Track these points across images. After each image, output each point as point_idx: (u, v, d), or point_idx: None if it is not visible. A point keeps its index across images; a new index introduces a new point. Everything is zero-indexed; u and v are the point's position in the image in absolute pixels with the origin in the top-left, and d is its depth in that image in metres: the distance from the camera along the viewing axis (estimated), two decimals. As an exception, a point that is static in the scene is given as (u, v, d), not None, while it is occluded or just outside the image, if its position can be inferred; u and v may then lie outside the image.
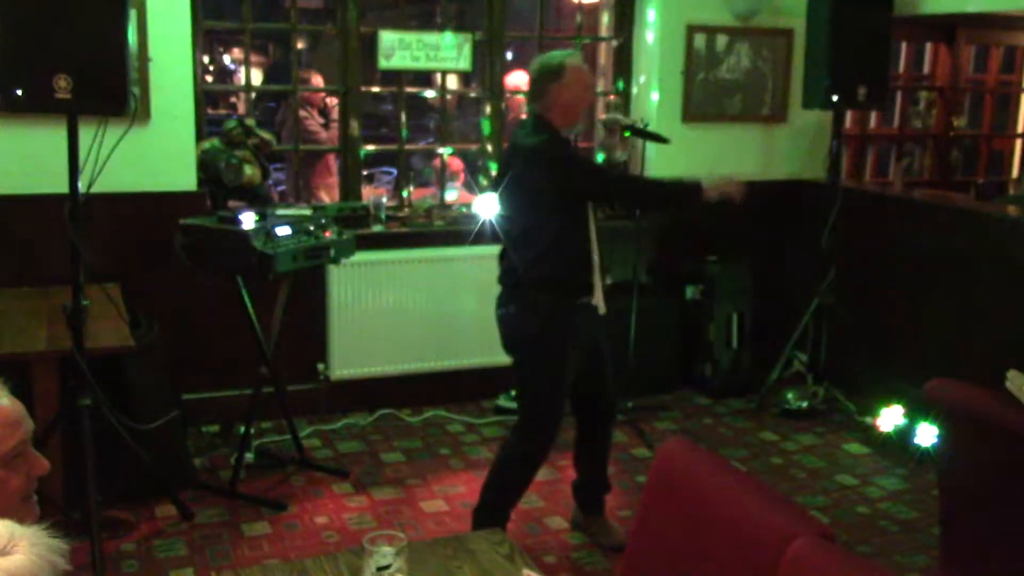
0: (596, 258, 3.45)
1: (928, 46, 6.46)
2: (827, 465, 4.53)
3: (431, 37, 4.96)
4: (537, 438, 3.49)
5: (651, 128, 4.37)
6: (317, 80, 6.81)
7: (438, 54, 4.96)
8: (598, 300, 3.48)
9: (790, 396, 5.10)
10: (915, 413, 4.59)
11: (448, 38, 4.99)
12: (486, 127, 5.26)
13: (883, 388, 4.86)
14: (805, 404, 5.05)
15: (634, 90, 5.45)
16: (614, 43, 5.50)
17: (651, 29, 5.29)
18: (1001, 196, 6.21)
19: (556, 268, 3.40)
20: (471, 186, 5.62)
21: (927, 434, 4.42)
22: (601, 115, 3.72)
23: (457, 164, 6.13)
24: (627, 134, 3.52)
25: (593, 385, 3.60)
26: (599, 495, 3.80)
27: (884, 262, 5.17)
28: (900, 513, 4.07)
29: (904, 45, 6.28)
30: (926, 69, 6.51)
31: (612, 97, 5.49)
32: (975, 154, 6.98)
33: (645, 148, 4.85)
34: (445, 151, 5.34)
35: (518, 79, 5.69)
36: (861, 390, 5.12)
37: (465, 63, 5.05)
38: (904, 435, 4.63)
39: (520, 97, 5.70)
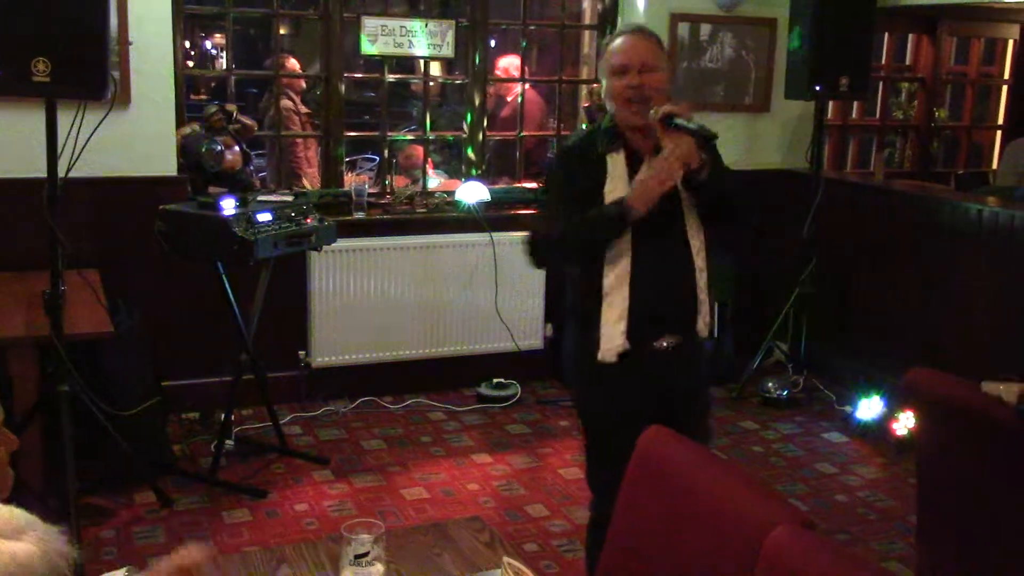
0: (616, 289, 2.63)
1: (910, 37, 6.50)
2: (806, 453, 4.56)
3: (414, 24, 4.94)
4: (588, 477, 2.93)
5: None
6: (293, 65, 6.76)
7: (421, 41, 4.94)
8: (608, 342, 2.64)
9: (770, 385, 5.12)
10: (894, 402, 4.63)
11: (431, 25, 4.96)
12: (468, 115, 5.24)
13: (862, 377, 4.89)
14: (785, 393, 5.08)
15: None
16: (598, 31, 5.48)
17: (635, 17, 5.28)
18: (981, 187, 6.25)
19: (571, 292, 2.84)
20: (453, 172, 5.60)
21: (905, 423, 4.45)
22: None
23: (419, 153, 6.03)
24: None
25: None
26: None
27: (865, 252, 5.19)
28: (878, 501, 4.10)
29: (886, 36, 6.31)
30: (908, 60, 6.54)
31: (596, 86, 5.47)
32: (955, 145, 7.03)
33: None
34: (400, 139, 5.29)
35: (502, 66, 5.68)
36: (841, 379, 5.15)
37: (448, 50, 5.02)
38: (883, 424, 4.67)
39: (505, 83, 5.70)
